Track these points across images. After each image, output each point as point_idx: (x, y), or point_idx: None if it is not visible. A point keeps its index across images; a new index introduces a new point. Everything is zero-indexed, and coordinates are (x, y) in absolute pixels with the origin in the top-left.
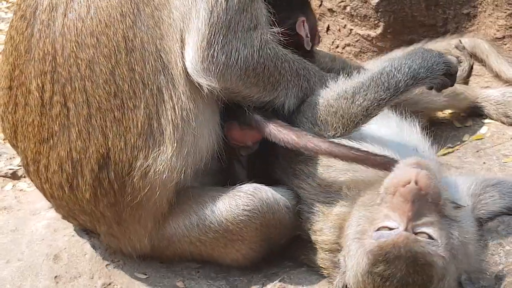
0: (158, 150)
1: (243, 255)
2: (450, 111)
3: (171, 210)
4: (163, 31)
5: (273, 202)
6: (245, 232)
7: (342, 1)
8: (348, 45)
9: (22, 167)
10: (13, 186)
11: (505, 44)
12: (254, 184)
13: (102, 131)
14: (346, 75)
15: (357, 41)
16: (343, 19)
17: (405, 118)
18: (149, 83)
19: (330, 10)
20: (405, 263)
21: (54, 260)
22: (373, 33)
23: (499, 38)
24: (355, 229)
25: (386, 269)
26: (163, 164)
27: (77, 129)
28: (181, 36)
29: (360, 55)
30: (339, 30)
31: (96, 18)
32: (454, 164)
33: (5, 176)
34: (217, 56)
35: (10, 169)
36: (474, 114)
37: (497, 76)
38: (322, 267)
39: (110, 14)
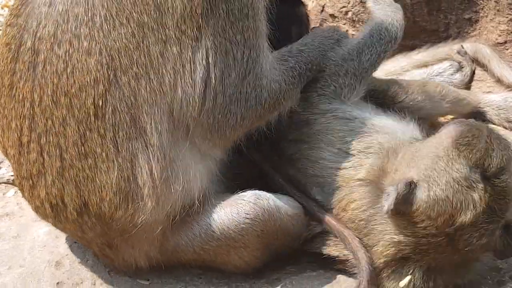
0: (138, 204)
1: (246, 262)
2: (452, 116)
3: (169, 229)
4: (139, 102)
5: (275, 210)
6: (247, 240)
7: (344, 7)
8: None
9: None
10: (15, 192)
11: (507, 49)
12: (256, 191)
13: (77, 186)
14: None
15: None
16: (344, 24)
17: (412, 121)
18: (122, 149)
19: (332, 15)
20: (490, 137)
21: (56, 267)
22: None
23: (501, 43)
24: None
25: (473, 139)
26: (147, 213)
27: (51, 178)
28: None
29: None
30: None
31: (71, 78)
32: None
33: (7, 182)
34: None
35: (12, 175)
36: (476, 119)
37: (499, 81)
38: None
39: (84, 77)
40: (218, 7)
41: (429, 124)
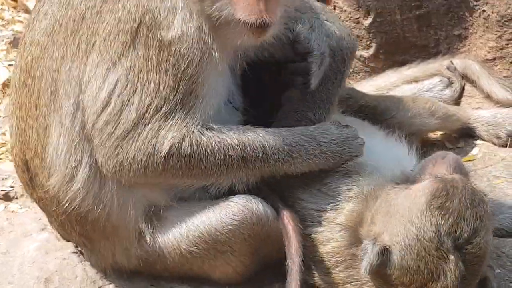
0: (52, 176)
1: (233, 268)
2: (441, 132)
3: (152, 226)
4: (59, 81)
5: (263, 214)
6: (234, 243)
7: None
8: None
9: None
10: (5, 207)
11: (496, 66)
12: (246, 195)
13: (17, 138)
14: None
15: None
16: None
17: (401, 140)
18: (40, 114)
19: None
20: (463, 195)
21: (45, 283)
22: (365, 53)
23: (490, 60)
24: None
25: (446, 200)
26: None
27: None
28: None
29: (353, 75)
30: None
31: (29, 35)
32: None
33: None
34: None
35: (2, 190)
36: (465, 135)
37: (488, 97)
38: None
39: (33, 37)
40: (139, 46)
41: (419, 140)
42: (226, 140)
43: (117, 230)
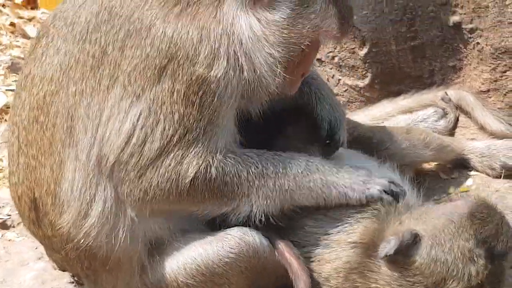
0: (64, 211)
1: None
2: (436, 163)
3: (153, 259)
4: (76, 116)
5: (260, 247)
6: (231, 276)
7: (331, 52)
8: (337, 94)
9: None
10: (1, 236)
11: (490, 97)
12: (243, 228)
13: (26, 175)
14: None
15: (345, 90)
16: (331, 69)
17: (394, 169)
18: (56, 150)
19: (319, 60)
20: (502, 216)
21: None
22: (361, 83)
23: (484, 91)
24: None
25: (488, 216)
26: (68, 221)
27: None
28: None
29: (349, 105)
30: (328, 80)
31: (39, 68)
32: None
33: None
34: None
35: None
36: (460, 165)
37: (482, 128)
38: None
39: (46, 71)
40: (164, 80)
41: (414, 171)
42: (248, 159)
43: (122, 264)
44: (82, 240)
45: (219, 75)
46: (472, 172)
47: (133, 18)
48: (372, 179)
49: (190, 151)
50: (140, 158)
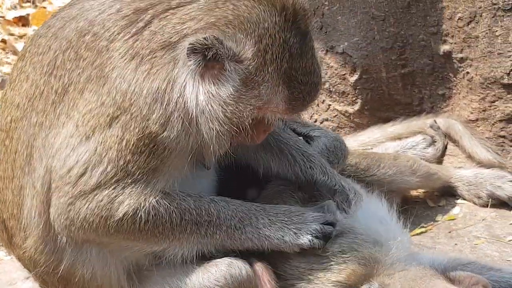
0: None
1: None
2: (423, 190)
3: (135, 285)
4: (35, 146)
5: (246, 279)
6: None
7: (321, 78)
8: (326, 120)
9: None
10: None
11: (478, 127)
12: (230, 259)
13: None
14: None
15: (335, 116)
16: (322, 94)
17: (373, 193)
18: (16, 176)
19: None
20: None
21: None
22: (351, 109)
23: (473, 120)
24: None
25: None
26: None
27: None
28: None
29: (338, 130)
30: (318, 105)
31: (10, 92)
32: (427, 244)
33: None
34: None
35: None
36: (447, 193)
37: (470, 157)
38: None
39: (13, 97)
40: (115, 128)
41: (401, 198)
42: (183, 205)
43: None
44: (46, 265)
45: (171, 136)
46: (459, 201)
47: (95, 64)
48: (303, 226)
49: (125, 191)
50: (73, 187)
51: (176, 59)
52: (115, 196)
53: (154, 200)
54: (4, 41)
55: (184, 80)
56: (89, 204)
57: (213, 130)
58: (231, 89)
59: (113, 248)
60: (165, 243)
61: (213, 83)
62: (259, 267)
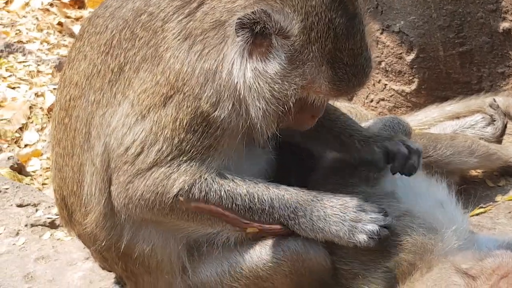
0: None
1: None
2: (482, 170)
3: (194, 260)
4: (93, 124)
5: (303, 250)
6: (275, 279)
7: (377, 57)
8: (383, 99)
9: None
10: (51, 235)
11: None
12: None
13: (55, 175)
14: None
15: (391, 96)
16: (377, 73)
17: (433, 175)
18: (76, 153)
19: None
20: None
21: None
22: (407, 88)
23: None
24: (446, 281)
25: None
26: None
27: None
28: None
29: (395, 110)
30: (374, 84)
31: (69, 72)
32: (486, 225)
33: (43, 225)
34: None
35: (48, 218)
36: (507, 173)
37: None
38: None
39: (72, 76)
40: (169, 107)
41: (459, 178)
42: (236, 189)
43: (161, 266)
44: (108, 240)
45: (222, 116)
46: None
47: (150, 44)
48: (360, 225)
49: (180, 168)
50: (131, 166)
51: (226, 37)
52: (171, 173)
53: (209, 177)
54: (60, 23)
55: (233, 58)
56: (146, 181)
57: (260, 109)
58: (278, 67)
59: (170, 227)
60: (218, 226)
61: (261, 60)
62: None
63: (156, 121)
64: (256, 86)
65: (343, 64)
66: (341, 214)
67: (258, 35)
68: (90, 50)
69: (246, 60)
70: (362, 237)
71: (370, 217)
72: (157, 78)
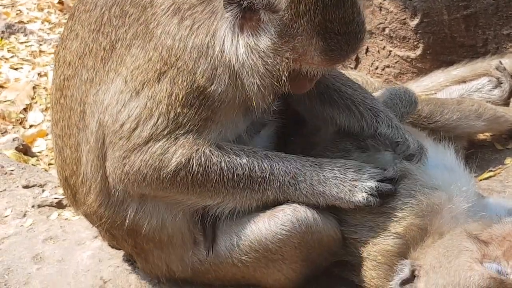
0: (87, 192)
1: (285, 276)
2: (490, 133)
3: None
4: (87, 102)
5: (312, 222)
6: (284, 251)
7: (381, 23)
8: (388, 66)
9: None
10: (58, 215)
11: None
12: (294, 204)
13: (57, 156)
14: None
15: (396, 62)
16: (382, 40)
17: (440, 141)
18: (72, 133)
19: (369, 31)
20: None
21: None
22: (412, 54)
23: None
24: (457, 247)
25: None
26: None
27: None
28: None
29: (400, 76)
30: (378, 51)
31: (64, 51)
32: (496, 188)
33: (50, 205)
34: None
35: (55, 198)
36: None
37: None
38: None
39: (66, 56)
40: (163, 82)
41: (467, 142)
42: (236, 159)
43: (173, 240)
44: (112, 217)
45: (219, 90)
46: None
47: (141, 20)
48: (359, 184)
49: (178, 142)
50: (127, 141)
51: (214, 12)
52: (168, 146)
53: (207, 150)
54: (61, 2)
55: (224, 33)
56: (143, 156)
57: (254, 84)
58: (268, 41)
59: (169, 202)
60: (218, 197)
61: (252, 35)
62: None
63: (151, 97)
64: (250, 62)
65: (334, 34)
66: (341, 176)
67: (246, 10)
68: (81, 28)
69: (238, 35)
70: (361, 196)
71: (368, 173)
72: (149, 55)
